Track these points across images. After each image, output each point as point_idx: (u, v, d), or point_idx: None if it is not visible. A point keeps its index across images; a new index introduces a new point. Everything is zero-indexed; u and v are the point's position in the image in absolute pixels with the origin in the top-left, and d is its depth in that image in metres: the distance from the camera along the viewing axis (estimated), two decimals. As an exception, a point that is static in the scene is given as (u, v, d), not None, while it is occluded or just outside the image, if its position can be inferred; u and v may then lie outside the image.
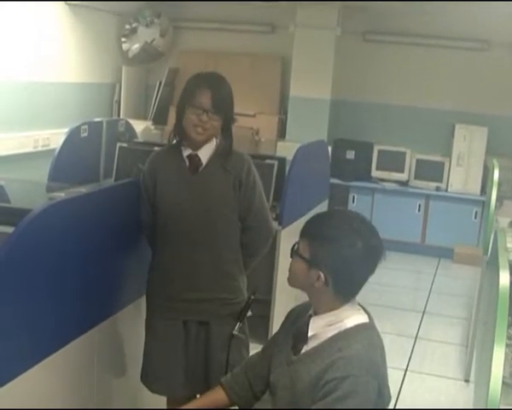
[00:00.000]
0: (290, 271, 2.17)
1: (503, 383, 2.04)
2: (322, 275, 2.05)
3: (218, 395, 2.40)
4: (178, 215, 2.83)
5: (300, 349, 2.14)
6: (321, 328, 2.10)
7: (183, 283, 2.86)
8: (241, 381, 2.37)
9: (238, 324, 2.85)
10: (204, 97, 2.73)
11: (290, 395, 2.10)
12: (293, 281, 2.17)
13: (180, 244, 2.84)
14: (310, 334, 2.11)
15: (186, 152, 2.86)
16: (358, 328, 2.08)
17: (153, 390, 2.98)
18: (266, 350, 2.36)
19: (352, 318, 2.09)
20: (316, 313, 2.13)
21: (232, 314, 2.88)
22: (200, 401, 2.54)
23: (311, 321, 2.12)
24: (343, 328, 2.07)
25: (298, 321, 2.22)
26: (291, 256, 2.17)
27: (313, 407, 1.99)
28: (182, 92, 2.83)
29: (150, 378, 2.95)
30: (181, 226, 2.83)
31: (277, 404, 2.17)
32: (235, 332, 2.84)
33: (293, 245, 2.17)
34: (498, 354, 2.00)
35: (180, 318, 2.88)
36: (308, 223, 2.16)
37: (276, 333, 2.36)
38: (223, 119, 2.79)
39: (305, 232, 2.14)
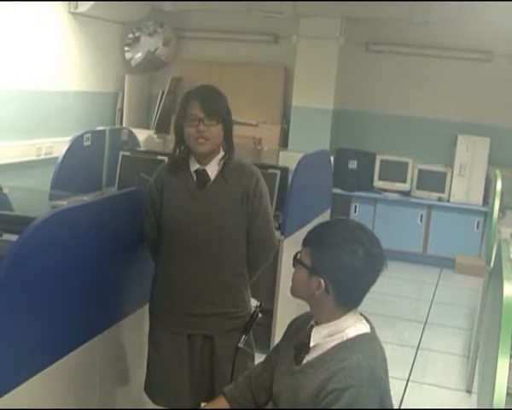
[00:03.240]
0: (293, 280, 2.17)
1: (508, 394, 2.03)
2: (322, 282, 2.04)
3: (220, 405, 2.39)
4: (185, 230, 2.81)
5: (302, 359, 2.13)
6: (323, 338, 2.09)
7: (189, 297, 2.84)
8: (244, 391, 2.36)
9: (243, 337, 2.81)
10: (195, 108, 2.74)
11: (293, 405, 2.09)
12: (295, 290, 2.17)
13: (186, 259, 2.82)
14: (312, 344, 2.10)
15: (194, 167, 2.84)
16: (360, 338, 2.07)
17: (157, 403, 2.96)
18: (269, 361, 2.35)
19: (353, 327, 2.08)
20: (317, 323, 2.12)
21: (237, 328, 2.84)
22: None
23: (313, 331, 2.12)
24: (345, 338, 2.06)
25: (300, 331, 2.21)
26: (293, 265, 2.17)
27: None
28: (177, 113, 2.86)
29: (155, 391, 2.93)
30: (188, 241, 2.81)
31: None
32: (240, 345, 2.80)
33: (296, 254, 2.17)
34: (503, 365, 1.99)
35: (185, 332, 2.86)
36: (310, 232, 2.16)
37: (279, 343, 2.35)
38: (220, 123, 2.78)
39: (307, 241, 2.14)
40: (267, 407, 2.30)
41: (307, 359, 2.12)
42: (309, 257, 2.09)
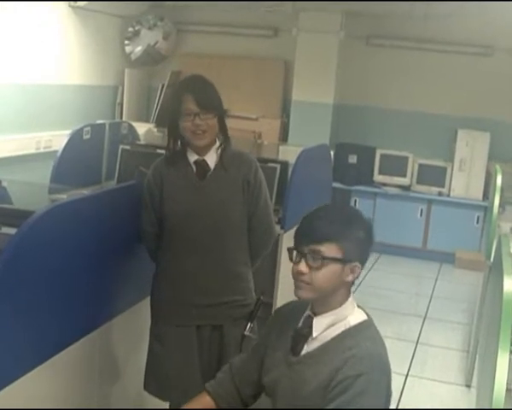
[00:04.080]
0: (318, 281, 2.03)
1: (507, 389, 2.02)
2: (358, 264, 2.06)
3: (204, 402, 2.32)
4: (187, 223, 2.80)
5: (300, 350, 2.11)
6: (325, 328, 2.08)
7: (195, 288, 2.83)
8: (228, 386, 2.31)
9: (249, 324, 2.82)
10: (189, 102, 2.75)
11: (294, 397, 2.07)
12: (319, 289, 2.05)
13: (190, 250, 2.82)
14: (314, 335, 2.08)
15: (192, 157, 2.85)
16: (362, 325, 2.08)
17: (163, 398, 2.94)
18: (255, 352, 2.30)
19: (353, 315, 2.09)
20: (317, 314, 2.10)
21: (244, 316, 2.86)
22: (186, 407, 2.44)
23: (315, 322, 2.10)
24: (347, 326, 2.06)
25: (291, 321, 2.18)
26: (318, 267, 2.03)
27: (327, 408, 1.96)
28: (170, 105, 2.87)
29: (162, 387, 2.89)
30: (191, 232, 2.81)
31: (278, 405, 2.14)
32: (246, 333, 2.81)
33: (317, 255, 2.03)
34: (503, 360, 1.99)
35: (193, 323, 2.86)
36: (319, 228, 2.06)
37: (265, 334, 2.30)
38: (216, 115, 2.79)
39: (325, 236, 2.04)
40: (261, 399, 2.28)
41: (306, 350, 2.10)
42: (335, 249, 2.03)
